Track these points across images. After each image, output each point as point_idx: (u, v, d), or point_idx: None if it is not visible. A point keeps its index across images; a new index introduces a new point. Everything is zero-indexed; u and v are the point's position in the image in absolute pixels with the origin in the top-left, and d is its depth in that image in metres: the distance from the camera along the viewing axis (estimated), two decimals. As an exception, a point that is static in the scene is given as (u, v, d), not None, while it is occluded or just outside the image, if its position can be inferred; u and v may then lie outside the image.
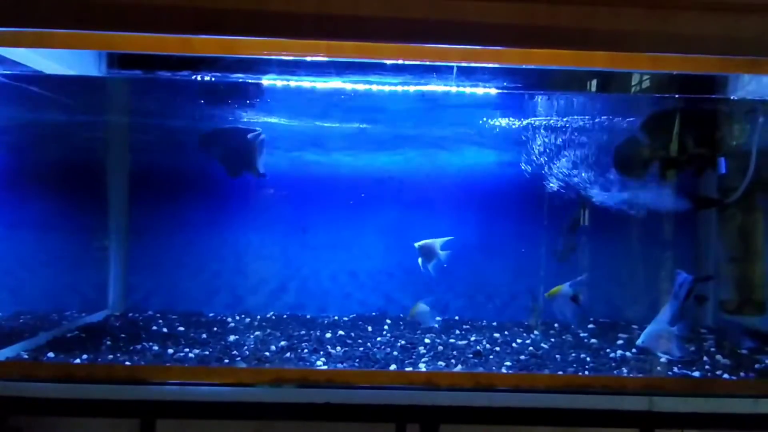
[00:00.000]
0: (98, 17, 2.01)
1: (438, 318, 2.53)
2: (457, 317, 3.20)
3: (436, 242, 2.46)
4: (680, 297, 2.28)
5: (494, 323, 3.07)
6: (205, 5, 1.98)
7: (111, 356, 2.26)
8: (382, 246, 3.21)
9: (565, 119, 2.85)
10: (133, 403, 2.02)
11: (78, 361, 2.19)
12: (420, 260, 2.49)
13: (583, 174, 2.83)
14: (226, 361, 2.24)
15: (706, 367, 2.34)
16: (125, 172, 3.11)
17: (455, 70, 2.27)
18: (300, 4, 1.97)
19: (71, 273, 3.08)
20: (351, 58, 2.07)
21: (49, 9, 2.01)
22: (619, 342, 2.68)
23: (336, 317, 3.12)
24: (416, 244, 2.48)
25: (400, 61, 2.11)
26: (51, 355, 2.25)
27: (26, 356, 2.23)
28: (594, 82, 2.64)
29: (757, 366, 2.36)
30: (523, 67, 2.18)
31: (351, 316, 3.14)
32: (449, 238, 2.53)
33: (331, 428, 2.89)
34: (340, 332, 2.75)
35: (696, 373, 2.27)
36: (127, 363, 2.18)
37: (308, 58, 2.16)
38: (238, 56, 2.17)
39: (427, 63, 2.14)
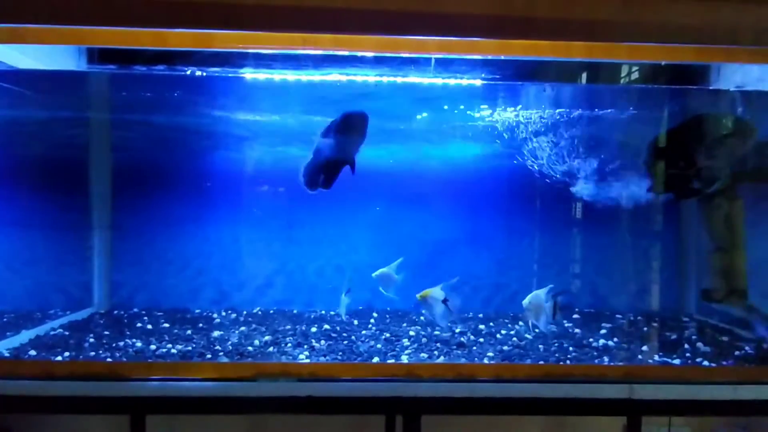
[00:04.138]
0: (72, 12, 2.00)
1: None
2: (443, 310, 3.21)
3: (392, 269, 2.56)
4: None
5: (480, 315, 3.09)
6: (180, -1, 1.98)
7: (94, 353, 2.26)
8: (369, 240, 3.21)
9: (548, 110, 2.85)
10: (118, 399, 2.02)
11: (59, 358, 2.18)
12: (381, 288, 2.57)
13: (566, 165, 2.84)
14: (209, 356, 2.24)
15: (687, 354, 2.37)
16: (108, 168, 3.08)
17: (433, 61, 2.26)
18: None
19: (55, 271, 3.06)
20: (327, 50, 2.06)
21: (21, 4, 2.00)
22: (602, 332, 2.71)
23: (323, 311, 3.12)
24: (374, 275, 2.55)
25: (377, 53, 2.10)
26: (32, 353, 2.24)
27: (7, 354, 2.22)
28: (575, 73, 2.64)
29: (736, 353, 2.39)
30: (501, 58, 2.17)
31: (338, 310, 3.15)
32: (400, 260, 2.57)
33: (323, 421, 2.91)
34: (326, 326, 2.76)
35: (676, 361, 2.29)
36: (109, 360, 2.18)
37: (285, 51, 2.14)
38: (215, 50, 2.15)
39: (405, 55, 2.13)
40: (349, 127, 2.39)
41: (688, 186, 2.59)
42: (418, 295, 2.35)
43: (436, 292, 2.30)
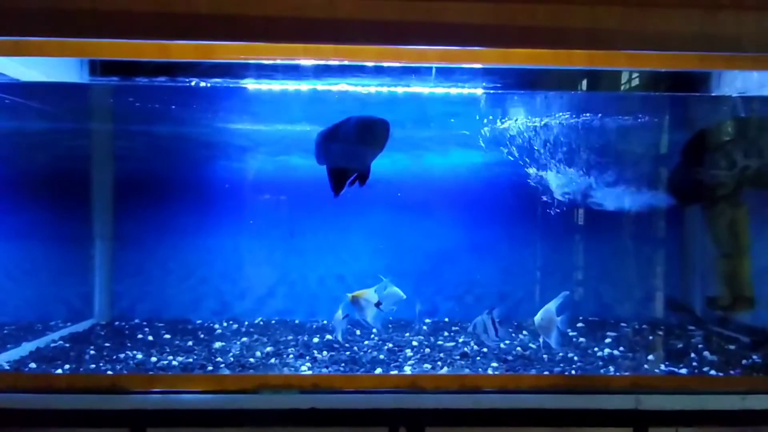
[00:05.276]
0: (75, 24, 2.01)
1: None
2: (446, 319, 3.19)
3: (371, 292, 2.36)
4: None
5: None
6: (182, 11, 1.98)
7: (94, 366, 2.24)
8: (370, 249, 3.20)
9: (548, 118, 2.85)
10: (118, 412, 2.00)
11: (60, 371, 2.17)
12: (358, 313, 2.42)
13: (568, 172, 2.83)
14: (210, 368, 2.22)
15: (693, 363, 2.34)
16: (110, 178, 3.09)
17: (434, 71, 2.27)
18: (277, 7, 1.97)
19: (56, 282, 3.05)
20: (328, 60, 2.07)
21: (24, 16, 2.01)
22: (607, 341, 2.68)
23: (325, 321, 3.10)
24: (349, 295, 2.36)
25: (378, 63, 2.10)
26: (33, 365, 2.22)
27: (7, 367, 2.20)
28: (574, 81, 2.64)
29: (744, 361, 2.36)
30: (502, 66, 2.17)
31: (335, 334, 3.12)
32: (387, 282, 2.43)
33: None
34: (328, 336, 2.74)
35: (683, 370, 2.26)
36: (110, 372, 2.16)
37: (287, 62, 2.15)
38: (217, 61, 2.15)
39: (406, 64, 2.13)
40: (368, 136, 2.20)
41: (728, 188, 2.54)
42: (349, 295, 2.27)
43: (370, 295, 2.25)
